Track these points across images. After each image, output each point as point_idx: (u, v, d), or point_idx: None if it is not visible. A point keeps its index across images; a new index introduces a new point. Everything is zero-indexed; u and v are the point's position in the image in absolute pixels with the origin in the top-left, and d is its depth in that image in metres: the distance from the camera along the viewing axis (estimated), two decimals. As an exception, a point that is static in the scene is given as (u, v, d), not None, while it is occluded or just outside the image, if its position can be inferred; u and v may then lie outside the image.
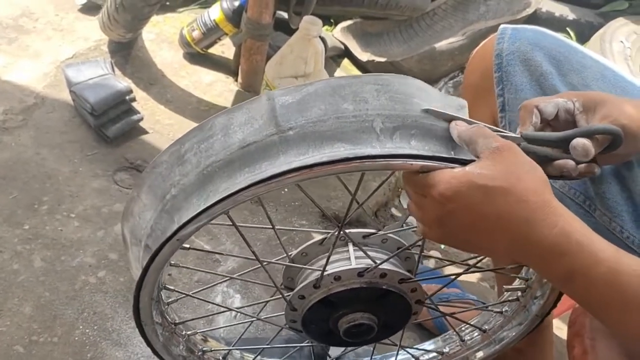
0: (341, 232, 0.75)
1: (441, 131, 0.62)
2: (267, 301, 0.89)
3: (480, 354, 0.99)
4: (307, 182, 0.70)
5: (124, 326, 1.16)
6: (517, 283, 0.92)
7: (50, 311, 1.15)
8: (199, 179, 0.62)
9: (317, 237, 0.80)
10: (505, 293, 0.94)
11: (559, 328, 1.26)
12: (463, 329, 1.00)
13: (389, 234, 0.80)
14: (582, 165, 0.67)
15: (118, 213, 1.35)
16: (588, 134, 0.66)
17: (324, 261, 0.76)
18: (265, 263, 0.77)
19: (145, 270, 0.68)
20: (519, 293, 0.91)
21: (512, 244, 0.58)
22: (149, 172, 0.67)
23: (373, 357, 1.02)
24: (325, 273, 0.74)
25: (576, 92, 0.74)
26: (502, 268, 0.89)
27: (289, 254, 0.81)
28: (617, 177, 0.79)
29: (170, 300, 0.84)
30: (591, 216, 0.80)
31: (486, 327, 0.97)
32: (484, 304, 1.23)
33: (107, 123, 1.48)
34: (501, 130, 0.64)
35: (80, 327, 1.14)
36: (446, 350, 1.00)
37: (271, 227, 0.79)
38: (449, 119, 0.62)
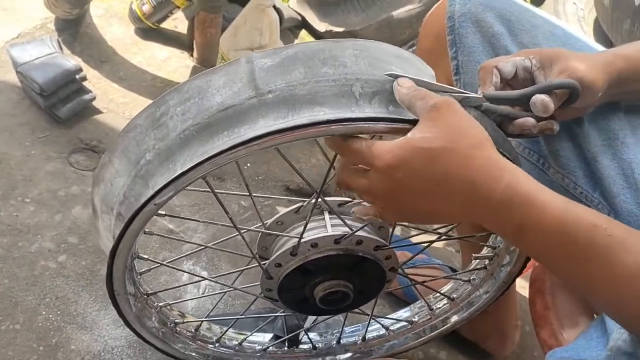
0: (318, 201, 0.75)
1: None
2: (243, 270, 0.89)
3: (448, 322, 1.01)
4: (271, 155, 0.70)
5: (89, 310, 1.14)
6: (485, 252, 0.93)
7: (10, 299, 1.12)
8: (176, 143, 0.61)
9: (293, 206, 0.79)
10: (473, 262, 0.96)
11: (523, 287, 1.29)
12: (432, 298, 1.02)
13: (364, 202, 0.80)
14: (542, 123, 0.68)
15: (75, 196, 1.32)
16: (547, 90, 0.66)
17: (300, 229, 0.76)
18: (243, 231, 0.77)
19: (120, 238, 0.66)
20: (487, 261, 0.93)
21: (464, 203, 0.58)
22: (122, 137, 0.64)
23: (344, 327, 1.03)
24: (303, 240, 0.74)
25: (533, 50, 0.74)
26: (472, 236, 0.90)
27: (265, 223, 0.80)
28: (570, 135, 0.80)
29: (143, 270, 0.84)
30: (545, 174, 0.82)
31: (455, 295, 0.99)
32: (450, 268, 1.26)
33: (58, 104, 1.43)
34: (462, 91, 0.64)
35: (43, 313, 1.12)
36: (416, 319, 1.02)
37: (248, 194, 0.78)
38: (420, 84, 0.62)
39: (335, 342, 1.04)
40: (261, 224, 0.81)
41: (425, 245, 0.96)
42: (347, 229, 0.76)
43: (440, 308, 1.01)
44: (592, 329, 0.77)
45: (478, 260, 0.95)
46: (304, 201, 0.79)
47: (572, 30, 0.87)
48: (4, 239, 1.20)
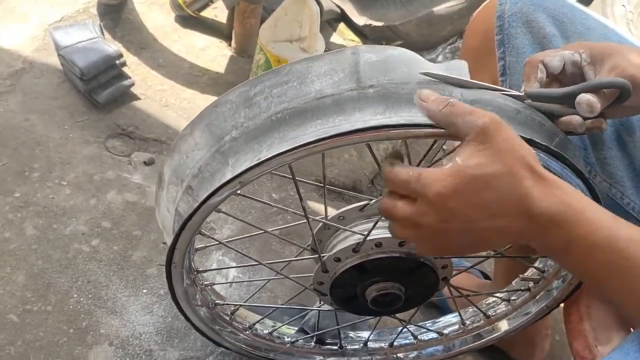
0: (336, 213, 0.76)
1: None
2: (302, 259, 0.89)
3: (480, 338, 0.99)
4: (331, 160, 0.70)
5: (119, 294, 1.15)
6: (530, 273, 0.91)
7: (43, 280, 1.14)
8: (266, 124, 0.60)
9: (358, 203, 0.79)
10: (516, 281, 0.93)
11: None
12: (466, 311, 1.00)
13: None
14: (589, 120, 0.65)
15: (110, 180, 1.33)
16: (593, 89, 0.63)
17: (361, 227, 0.76)
18: (311, 219, 0.77)
19: (195, 211, 0.65)
20: (531, 283, 0.90)
21: (515, 224, 0.55)
22: (209, 110, 0.64)
23: (374, 330, 1.02)
24: (368, 238, 0.73)
25: (583, 43, 0.70)
26: (527, 257, 0.87)
27: (307, 245, 0.81)
28: (619, 142, 0.77)
29: (199, 246, 0.85)
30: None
31: (491, 312, 0.96)
32: (481, 272, 1.23)
33: (97, 88, 1.44)
34: (503, 89, 0.62)
35: (75, 295, 1.13)
36: (446, 332, 1.00)
37: (322, 185, 0.82)
38: (457, 82, 0.60)
39: (362, 344, 1.03)
40: (324, 216, 0.80)
41: (479, 260, 0.94)
42: None
43: (473, 323, 0.99)
44: (628, 343, 0.74)
45: (522, 281, 0.92)
46: (370, 199, 0.79)
47: (627, 36, 0.83)
48: (39, 220, 1.22)
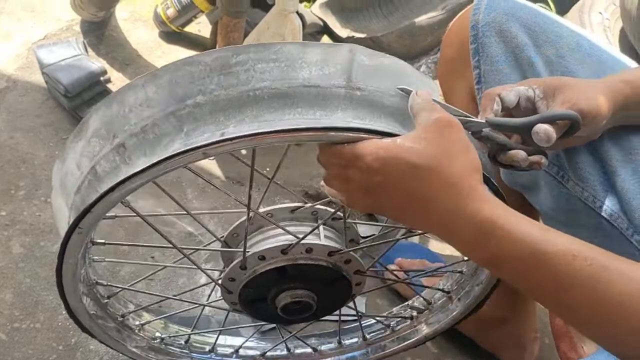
0: (255, 212, 0.73)
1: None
2: (200, 286, 0.89)
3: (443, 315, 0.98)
4: (289, 160, 0.69)
5: (107, 310, 1.15)
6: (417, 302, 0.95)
7: (31, 297, 1.14)
8: (240, 99, 0.55)
9: (243, 218, 0.76)
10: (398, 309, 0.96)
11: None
12: (431, 292, 1.00)
13: (316, 206, 0.77)
14: (531, 157, 0.68)
15: (97, 196, 1.33)
16: (549, 120, 0.66)
17: (293, 229, 0.73)
18: (189, 253, 0.76)
19: (127, 179, 0.56)
20: (415, 312, 0.93)
21: (439, 225, 0.57)
22: (175, 67, 0.56)
23: (340, 328, 1.01)
24: (249, 253, 0.72)
25: (536, 79, 0.74)
26: None
27: (220, 237, 0.78)
28: (590, 148, 0.80)
29: (109, 294, 0.81)
30: (564, 187, 0.81)
31: (448, 287, 0.96)
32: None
33: (82, 105, 1.45)
34: (466, 113, 0.64)
35: (63, 312, 1.13)
36: (414, 314, 1.00)
37: (185, 212, 0.75)
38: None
39: (336, 343, 1.02)
40: (215, 239, 0.78)
41: (392, 241, 0.91)
42: (294, 238, 0.72)
43: (437, 302, 0.99)
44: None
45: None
46: (305, 202, 0.77)
47: (598, 41, 0.86)
48: (26, 238, 1.22)
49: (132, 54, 1.71)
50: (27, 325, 1.10)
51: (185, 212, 0.74)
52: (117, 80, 1.60)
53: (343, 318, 0.96)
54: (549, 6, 2.17)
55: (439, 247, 1.35)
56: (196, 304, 0.92)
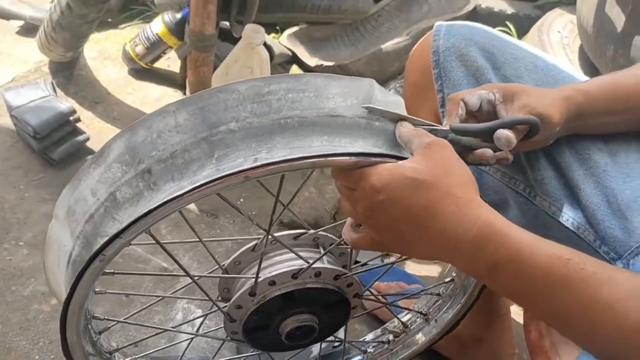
0: (273, 236, 0.73)
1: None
2: (204, 315, 0.87)
3: (420, 337, 0.99)
4: (264, 191, 0.70)
5: (83, 352, 1.13)
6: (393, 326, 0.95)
7: (3, 344, 1.11)
8: (273, 126, 0.57)
9: (248, 245, 0.77)
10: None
11: (518, 314, 1.28)
12: (408, 315, 1.00)
13: (320, 233, 0.79)
14: (497, 153, 0.71)
15: (69, 237, 1.31)
16: (509, 125, 0.70)
17: (256, 268, 0.74)
18: (197, 278, 0.75)
19: (160, 205, 0.54)
20: (454, 273, 0.92)
21: (438, 238, 0.58)
22: (209, 93, 0.57)
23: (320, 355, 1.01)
24: (260, 279, 0.73)
25: (496, 84, 0.77)
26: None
27: (222, 264, 0.78)
28: (553, 164, 0.82)
29: (101, 329, 0.79)
30: (531, 203, 0.83)
31: (425, 310, 0.97)
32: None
33: (52, 146, 1.44)
34: (429, 122, 0.66)
35: (36, 357, 1.10)
36: (390, 337, 1.00)
37: (198, 240, 0.75)
38: (392, 117, 0.64)
39: None
40: (217, 266, 0.78)
41: (388, 265, 0.92)
42: (304, 263, 0.74)
43: (414, 324, 0.99)
44: (584, 355, 0.77)
45: (446, 273, 0.95)
46: (258, 238, 0.77)
47: (554, 61, 0.89)
48: (-3, 283, 1.20)
49: (102, 92, 1.71)
50: (0, 374, 1.07)
51: (197, 240, 0.74)
52: (86, 119, 1.59)
53: (323, 344, 0.95)
54: (509, 29, 2.23)
55: (415, 268, 1.36)
56: (192, 334, 0.90)
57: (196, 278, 0.74)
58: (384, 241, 0.63)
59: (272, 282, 0.74)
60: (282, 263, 0.76)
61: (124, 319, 0.84)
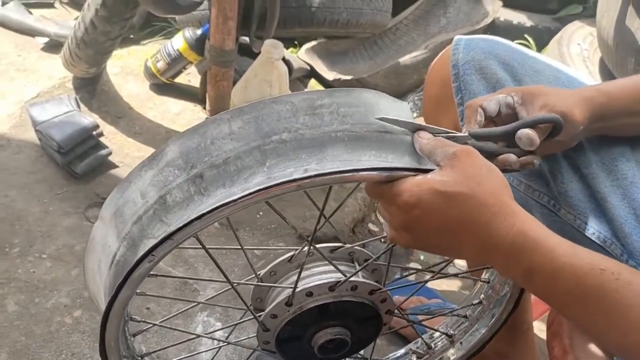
0: (310, 248, 0.74)
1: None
2: (237, 324, 0.87)
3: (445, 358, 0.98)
4: (285, 203, 0.69)
5: (104, 365, 1.13)
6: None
7: (26, 356, 1.12)
8: (323, 139, 0.58)
9: (285, 255, 0.78)
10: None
11: (541, 330, 1.26)
12: (431, 336, 1.00)
13: (355, 247, 0.80)
14: (522, 158, 0.70)
15: (91, 250, 1.33)
16: (530, 125, 0.69)
17: (293, 278, 0.75)
18: (235, 284, 0.76)
19: (207, 213, 0.55)
20: (482, 295, 0.91)
21: (476, 246, 0.60)
22: (264, 104, 0.59)
23: None
24: (297, 290, 0.73)
25: (514, 88, 0.77)
26: (466, 272, 0.90)
27: (257, 273, 0.79)
28: (578, 176, 0.81)
29: (135, 331, 0.80)
30: (556, 215, 0.82)
31: (452, 331, 0.96)
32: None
33: (75, 160, 1.47)
34: (448, 130, 0.66)
35: (59, 369, 1.11)
36: (413, 358, 0.99)
37: (239, 247, 0.77)
38: (408, 127, 0.64)
39: None
40: (254, 275, 0.79)
41: (421, 283, 0.94)
42: (340, 275, 0.75)
43: (438, 346, 0.98)
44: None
45: (473, 295, 0.94)
46: (296, 249, 0.78)
47: (575, 74, 0.88)
48: (21, 296, 1.21)
49: (124, 107, 1.73)
50: (23, 385, 1.08)
51: (239, 247, 0.76)
52: (109, 133, 1.62)
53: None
54: (528, 41, 2.23)
55: (435, 283, 1.35)
56: (223, 341, 0.89)
57: (235, 284, 0.75)
58: (422, 246, 0.64)
59: (309, 293, 0.74)
60: (318, 275, 0.76)
61: (160, 322, 0.85)
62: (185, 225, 0.56)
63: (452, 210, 0.58)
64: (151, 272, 0.62)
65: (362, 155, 0.59)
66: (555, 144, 0.74)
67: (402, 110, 0.64)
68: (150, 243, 0.58)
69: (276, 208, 0.72)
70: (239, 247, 0.78)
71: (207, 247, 0.68)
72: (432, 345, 0.97)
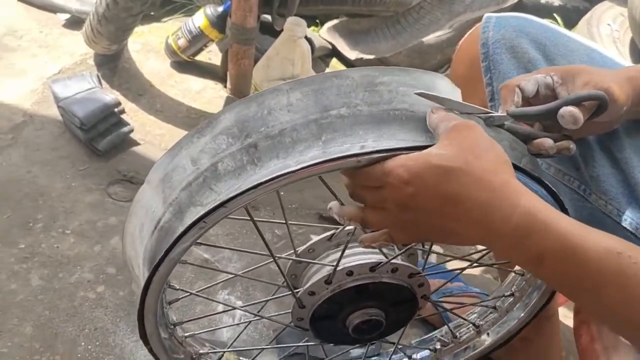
0: (354, 228, 0.72)
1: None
2: (273, 298, 0.86)
3: (474, 349, 0.98)
4: (303, 184, 0.68)
5: (126, 340, 1.15)
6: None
7: (50, 329, 1.14)
8: (380, 116, 0.57)
9: (325, 233, 0.78)
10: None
11: (566, 316, 1.25)
12: (460, 324, 0.99)
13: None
14: (559, 143, 0.66)
15: (113, 226, 1.34)
16: (574, 102, 0.65)
17: (332, 257, 0.75)
18: (277, 257, 0.74)
19: (259, 184, 0.54)
20: (514, 287, 0.90)
21: (477, 226, 0.55)
22: (324, 77, 0.58)
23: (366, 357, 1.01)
24: (338, 268, 0.72)
25: (553, 67, 0.73)
26: (505, 263, 0.88)
27: (296, 249, 0.79)
28: (611, 160, 0.78)
29: (172, 299, 0.80)
30: (586, 201, 0.80)
31: (479, 322, 0.96)
32: (488, 296, 1.22)
33: (97, 137, 1.47)
34: (486, 109, 0.63)
35: (82, 343, 1.13)
36: (438, 346, 0.99)
37: (284, 222, 0.77)
38: (445, 104, 0.61)
39: None
40: (293, 251, 0.79)
41: (457, 272, 0.94)
42: (381, 256, 0.74)
43: (465, 335, 0.97)
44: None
45: (504, 286, 0.92)
46: (337, 228, 0.77)
47: (610, 54, 0.85)
48: (45, 270, 1.23)
49: (145, 84, 1.73)
50: (47, 358, 1.10)
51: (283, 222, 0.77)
52: (130, 111, 1.62)
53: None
54: (557, 21, 2.17)
55: (456, 264, 1.34)
56: (257, 315, 0.88)
57: (277, 258, 0.74)
58: (416, 233, 0.60)
59: (349, 272, 0.73)
60: (358, 255, 0.75)
61: (197, 292, 0.85)
62: (237, 195, 0.55)
63: (448, 186, 0.54)
64: (198, 241, 0.61)
65: (419, 136, 0.57)
66: (598, 125, 0.70)
67: (456, 94, 0.62)
68: (197, 211, 0.57)
69: (296, 188, 0.71)
70: (283, 221, 0.77)
71: (254, 219, 0.67)
72: (458, 334, 0.97)
